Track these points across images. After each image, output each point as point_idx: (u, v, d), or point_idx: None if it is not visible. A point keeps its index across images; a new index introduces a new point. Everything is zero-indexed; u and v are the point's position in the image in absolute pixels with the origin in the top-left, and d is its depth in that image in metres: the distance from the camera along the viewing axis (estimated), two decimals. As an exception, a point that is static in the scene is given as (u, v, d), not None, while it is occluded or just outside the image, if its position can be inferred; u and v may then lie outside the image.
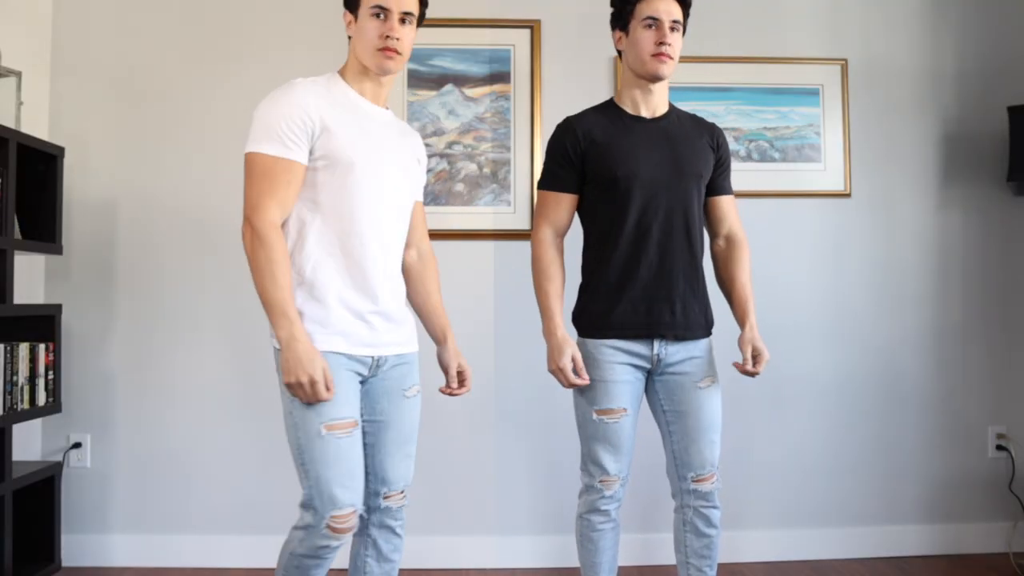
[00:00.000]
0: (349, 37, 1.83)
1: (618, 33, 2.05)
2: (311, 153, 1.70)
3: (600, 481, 2.00)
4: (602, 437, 1.98)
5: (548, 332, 2.01)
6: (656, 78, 1.98)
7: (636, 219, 1.98)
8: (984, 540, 3.01)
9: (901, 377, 3.04)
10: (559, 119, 2.97)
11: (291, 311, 1.63)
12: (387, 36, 1.74)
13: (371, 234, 1.76)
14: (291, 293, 1.65)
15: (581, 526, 2.05)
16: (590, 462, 2.02)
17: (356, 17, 1.78)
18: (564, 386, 2.00)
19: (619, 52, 2.07)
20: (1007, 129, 3.03)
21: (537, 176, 2.96)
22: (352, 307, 1.74)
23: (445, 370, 2.01)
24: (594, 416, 1.99)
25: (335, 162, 1.71)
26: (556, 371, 1.99)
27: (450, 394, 2.02)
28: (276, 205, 1.66)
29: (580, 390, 2.00)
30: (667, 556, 2.90)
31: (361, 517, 1.78)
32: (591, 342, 2.02)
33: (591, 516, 2.03)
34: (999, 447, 3.04)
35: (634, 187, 1.97)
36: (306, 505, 1.69)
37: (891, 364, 3.04)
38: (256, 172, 1.67)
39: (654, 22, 1.94)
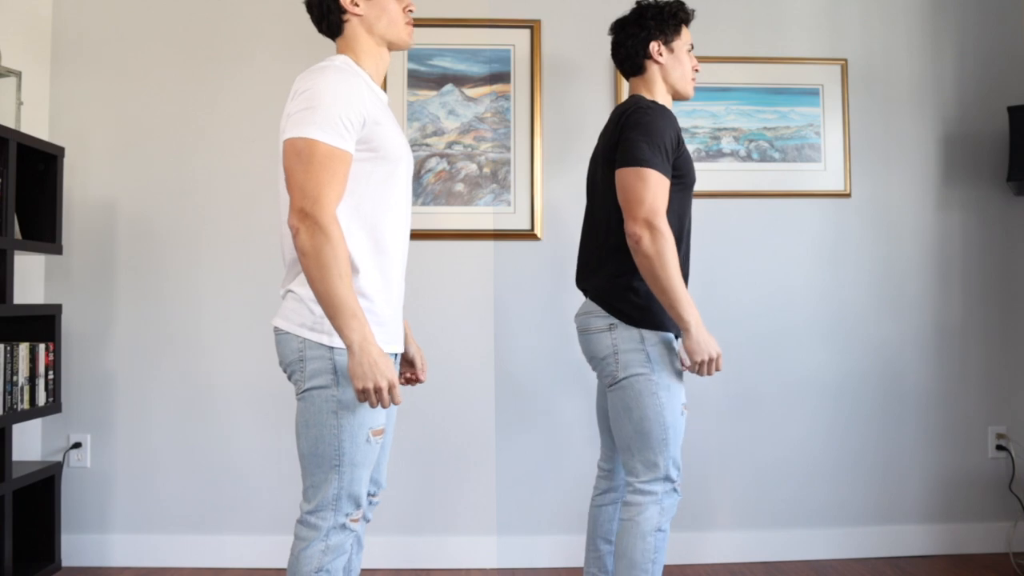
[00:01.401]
0: (345, 20, 1.72)
1: (658, 45, 2.04)
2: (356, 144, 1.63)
3: (679, 484, 1.97)
4: (682, 434, 1.96)
5: (696, 322, 1.86)
6: (688, 97, 2.13)
7: (690, 219, 2.06)
8: (984, 540, 3.01)
9: (901, 377, 3.04)
10: (559, 119, 3.00)
11: (360, 312, 1.52)
12: (409, 9, 1.74)
13: (403, 227, 1.73)
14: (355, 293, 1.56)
15: (658, 542, 1.92)
16: (672, 465, 1.94)
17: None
18: (704, 375, 1.90)
19: (648, 59, 2.05)
20: (1007, 129, 3.03)
21: (538, 177, 2.96)
22: (391, 304, 1.70)
23: (412, 362, 1.95)
24: (683, 411, 1.96)
25: (385, 156, 1.65)
26: (709, 361, 1.88)
27: (416, 382, 1.97)
28: (336, 198, 1.56)
29: (668, 387, 1.92)
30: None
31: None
32: (665, 336, 1.96)
33: (667, 527, 1.95)
34: (999, 447, 3.04)
35: (692, 189, 2.06)
36: (320, 509, 1.62)
37: (891, 364, 3.04)
38: (316, 161, 1.55)
39: (691, 49, 2.11)
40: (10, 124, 2.68)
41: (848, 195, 3.04)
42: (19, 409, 2.54)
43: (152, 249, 2.96)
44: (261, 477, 2.93)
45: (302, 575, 1.60)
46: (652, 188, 1.85)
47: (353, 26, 1.72)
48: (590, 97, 3.02)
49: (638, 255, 1.85)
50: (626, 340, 1.93)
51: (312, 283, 1.53)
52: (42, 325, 2.68)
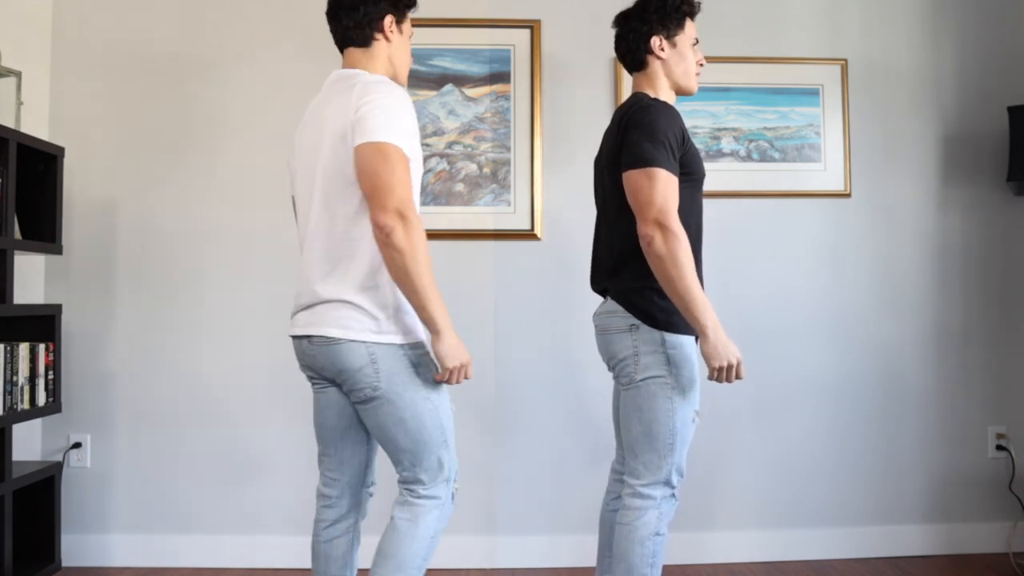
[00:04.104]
0: (375, 39, 1.82)
1: (660, 40, 2.00)
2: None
3: (678, 490, 1.95)
4: (689, 441, 1.93)
5: (713, 325, 1.81)
6: (691, 93, 2.09)
7: (702, 216, 2.04)
8: (984, 540, 3.01)
9: (901, 377, 3.04)
10: (559, 119, 3.00)
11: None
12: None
13: None
14: None
15: (656, 546, 1.89)
16: (675, 471, 1.91)
17: (401, 23, 1.86)
18: (723, 382, 1.86)
19: (649, 54, 2.01)
20: (1007, 129, 3.03)
21: (538, 177, 2.96)
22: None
23: None
24: (694, 419, 1.92)
25: (416, 163, 1.75)
26: (728, 367, 1.83)
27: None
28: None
29: (683, 392, 1.89)
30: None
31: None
32: (688, 339, 1.92)
33: (666, 530, 1.93)
34: (999, 447, 3.04)
35: (702, 185, 2.03)
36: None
37: (891, 364, 3.04)
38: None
39: (696, 43, 2.06)
40: (10, 124, 2.68)
41: (848, 195, 3.04)
42: (19, 409, 2.54)
43: (152, 249, 2.96)
44: (261, 477, 2.93)
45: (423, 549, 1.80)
46: (660, 188, 1.82)
47: (389, 50, 1.86)
48: (590, 97, 3.02)
49: (650, 257, 1.82)
50: (647, 342, 1.89)
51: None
52: (42, 325, 2.68)
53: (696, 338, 1.92)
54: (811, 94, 3.04)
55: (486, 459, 2.95)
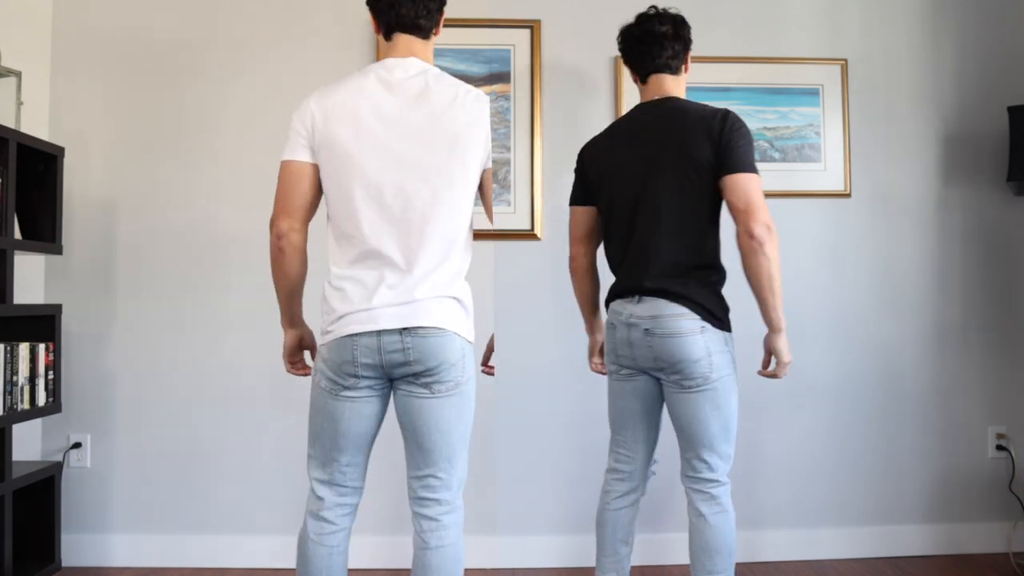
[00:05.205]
0: (435, 32, 1.88)
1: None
2: None
3: None
4: None
5: (783, 327, 2.05)
6: None
7: None
8: (984, 540, 3.01)
9: (901, 377, 3.04)
10: (559, 119, 3.01)
11: None
12: None
13: None
14: None
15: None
16: (731, 460, 2.07)
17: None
18: (780, 377, 2.08)
19: (686, 64, 2.18)
20: (1007, 129, 3.03)
21: (538, 177, 2.97)
22: None
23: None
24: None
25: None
26: (789, 362, 2.06)
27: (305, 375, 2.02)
28: None
29: (736, 386, 2.05)
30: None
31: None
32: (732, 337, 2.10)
33: None
34: (999, 447, 3.04)
35: None
36: (458, 486, 1.84)
37: (891, 364, 3.04)
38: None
39: None
40: (10, 124, 2.68)
41: (848, 195, 3.04)
42: (19, 409, 2.54)
43: (152, 249, 2.96)
44: (262, 477, 2.93)
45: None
46: (762, 194, 1.98)
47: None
48: (590, 97, 3.02)
49: (759, 256, 1.93)
50: (716, 342, 2.00)
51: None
52: (42, 325, 2.68)
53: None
54: (811, 94, 3.04)
55: (486, 459, 2.95)
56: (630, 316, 2.04)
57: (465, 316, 1.79)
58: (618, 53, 2.99)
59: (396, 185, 1.72)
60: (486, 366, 2.04)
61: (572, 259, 2.28)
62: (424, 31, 1.82)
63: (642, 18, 2.15)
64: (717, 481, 2.03)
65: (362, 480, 1.83)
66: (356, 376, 1.74)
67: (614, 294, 2.12)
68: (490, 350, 2.05)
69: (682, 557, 2.92)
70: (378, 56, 1.83)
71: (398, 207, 1.72)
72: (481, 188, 1.88)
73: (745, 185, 1.95)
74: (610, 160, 2.12)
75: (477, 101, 1.78)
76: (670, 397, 2.06)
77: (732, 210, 1.97)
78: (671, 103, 2.09)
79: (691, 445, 2.04)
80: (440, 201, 1.74)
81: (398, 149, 1.72)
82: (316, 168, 1.77)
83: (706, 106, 2.06)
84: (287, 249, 1.77)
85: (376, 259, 1.73)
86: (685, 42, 2.14)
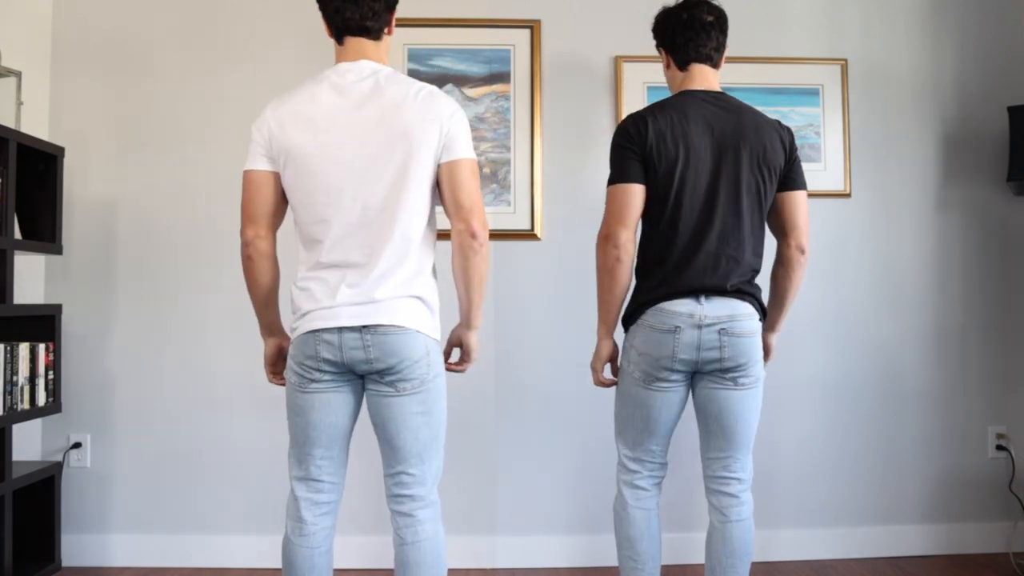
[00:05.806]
0: (385, 32, 1.90)
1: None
2: None
3: None
4: None
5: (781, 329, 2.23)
6: None
7: None
8: (984, 540, 3.01)
9: (901, 377, 3.04)
10: (559, 119, 3.01)
11: None
12: None
13: None
14: None
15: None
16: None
17: None
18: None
19: (720, 63, 2.13)
20: (1007, 129, 3.03)
21: (538, 177, 2.97)
22: None
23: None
24: None
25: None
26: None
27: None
28: None
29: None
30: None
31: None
32: None
33: None
34: (999, 447, 3.04)
35: None
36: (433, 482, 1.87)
37: (891, 364, 3.04)
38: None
39: None
40: (10, 124, 2.68)
41: (848, 195, 3.04)
42: (19, 409, 2.54)
43: (152, 249, 2.96)
44: (261, 477, 2.93)
45: None
46: None
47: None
48: (590, 97, 3.02)
49: (802, 268, 2.07)
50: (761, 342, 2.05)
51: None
52: (42, 325, 2.68)
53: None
54: (811, 94, 3.04)
55: (486, 459, 2.95)
56: (703, 317, 1.91)
57: (429, 314, 1.80)
58: (618, 53, 3.00)
59: (353, 188, 1.74)
60: (449, 364, 1.96)
61: (619, 247, 1.95)
62: (373, 33, 1.82)
63: (690, 4, 2.04)
64: (745, 482, 2.01)
65: (339, 477, 1.84)
66: (320, 371, 1.77)
67: (665, 294, 1.94)
68: (451, 346, 1.97)
69: (681, 557, 2.92)
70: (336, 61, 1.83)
71: (356, 210, 1.74)
72: (439, 185, 1.80)
73: (806, 204, 2.05)
74: (685, 141, 1.94)
75: (430, 97, 1.77)
76: (717, 396, 1.97)
77: (786, 224, 2.05)
78: (730, 100, 2.02)
79: (731, 445, 1.98)
80: (396, 201, 1.75)
81: (352, 152, 1.74)
82: (276, 176, 1.79)
83: (761, 111, 2.06)
84: (254, 256, 1.81)
85: (340, 260, 1.77)
86: (726, 37, 2.08)
